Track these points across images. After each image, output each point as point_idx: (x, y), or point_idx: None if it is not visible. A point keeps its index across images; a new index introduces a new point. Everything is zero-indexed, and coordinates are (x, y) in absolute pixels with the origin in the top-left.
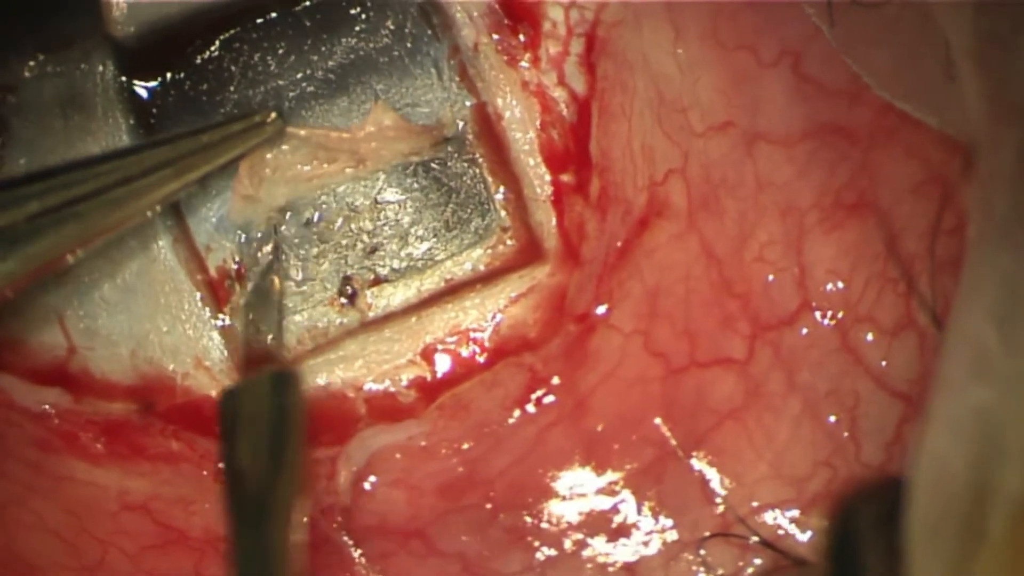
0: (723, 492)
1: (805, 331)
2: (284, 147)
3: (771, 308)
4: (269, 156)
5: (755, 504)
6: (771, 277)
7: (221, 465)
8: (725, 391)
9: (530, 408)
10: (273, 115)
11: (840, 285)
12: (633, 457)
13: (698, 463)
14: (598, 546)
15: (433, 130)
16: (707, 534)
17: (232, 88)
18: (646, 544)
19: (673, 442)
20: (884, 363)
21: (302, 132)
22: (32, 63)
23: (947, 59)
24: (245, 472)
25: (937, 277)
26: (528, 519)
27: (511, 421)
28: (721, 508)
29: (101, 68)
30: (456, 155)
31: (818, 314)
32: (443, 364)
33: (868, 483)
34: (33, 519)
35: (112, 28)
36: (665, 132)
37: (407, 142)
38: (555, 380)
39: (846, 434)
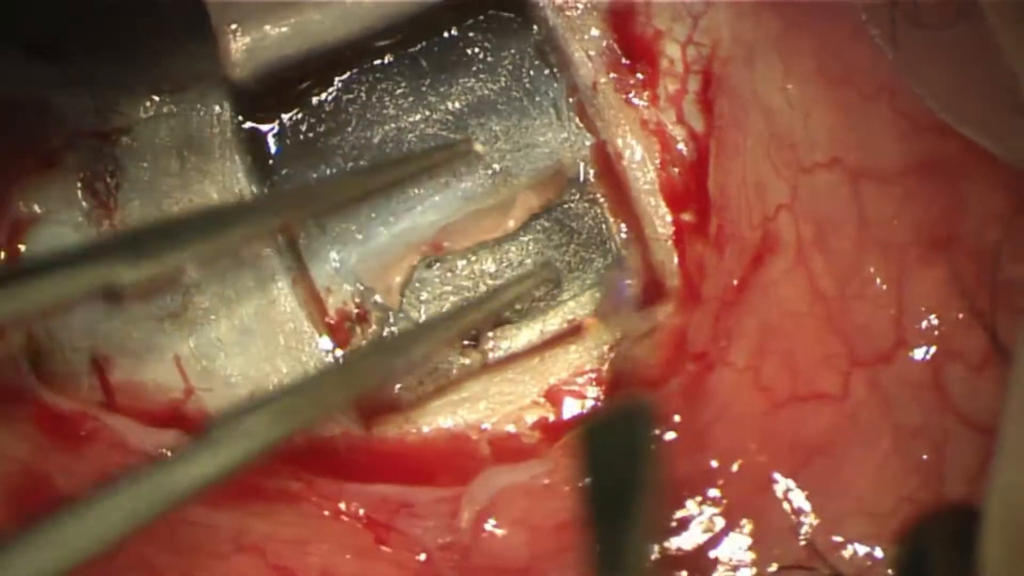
0: (809, 525)
1: (899, 368)
2: None
3: (869, 345)
4: None
5: (838, 539)
6: (870, 314)
7: (581, 495)
8: (820, 426)
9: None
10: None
11: (934, 321)
12: (735, 490)
13: (791, 495)
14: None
15: (558, 175)
16: (775, 567)
17: (350, 129)
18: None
19: (771, 475)
20: (971, 398)
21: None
22: (147, 104)
23: (1011, 87)
24: (602, 506)
25: (1011, 307)
26: None
27: None
28: (804, 541)
29: (218, 109)
30: (577, 195)
31: (913, 351)
32: (567, 405)
33: (941, 507)
34: (138, 561)
35: (229, 70)
36: (775, 167)
37: (540, 199)
38: (676, 418)
39: (932, 470)
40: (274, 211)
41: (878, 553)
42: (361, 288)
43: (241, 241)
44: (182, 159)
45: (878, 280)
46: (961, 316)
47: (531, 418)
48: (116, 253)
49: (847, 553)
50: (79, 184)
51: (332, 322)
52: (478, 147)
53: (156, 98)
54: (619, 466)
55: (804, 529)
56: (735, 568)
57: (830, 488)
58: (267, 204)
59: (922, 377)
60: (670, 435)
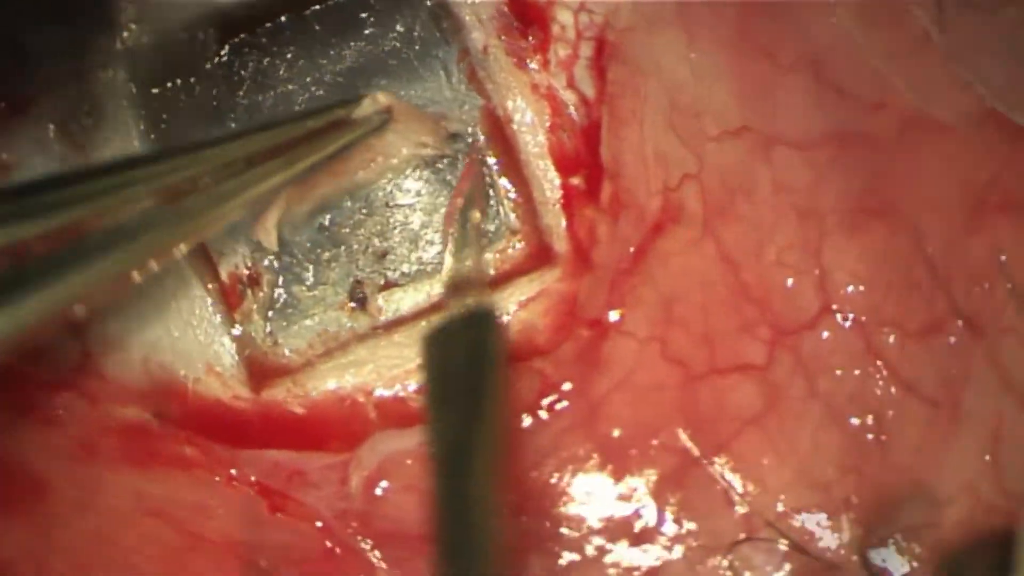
0: (748, 498)
1: (826, 335)
2: None
3: (791, 313)
4: None
5: (781, 509)
6: (790, 281)
7: (424, 403)
8: (746, 398)
9: (543, 414)
10: (381, 98)
11: (862, 288)
12: (653, 463)
13: (721, 470)
14: (621, 551)
15: (442, 120)
16: (742, 536)
17: (242, 93)
18: (669, 549)
19: (695, 450)
20: (910, 367)
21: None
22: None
23: None
24: (444, 417)
25: (965, 282)
26: (548, 524)
27: (524, 426)
28: (745, 513)
29: (112, 74)
30: (462, 157)
31: (839, 317)
32: None
33: (977, 537)
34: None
35: (123, 34)
36: (679, 137)
37: (419, 133)
38: (567, 386)
39: (871, 438)
40: (165, 169)
41: (825, 519)
42: (251, 248)
43: (130, 201)
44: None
45: (796, 247)
46: (895, 284)
47: (418, 382)
48: None
49: (796, 522)
50: (52, 126)
51: (224, 286)
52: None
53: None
54: (461, 372)
55: (743, 501)
56: (674, 539)
57: (766, 460)
58: (157, 160)
59: (853, 345)
60: (562, 403)
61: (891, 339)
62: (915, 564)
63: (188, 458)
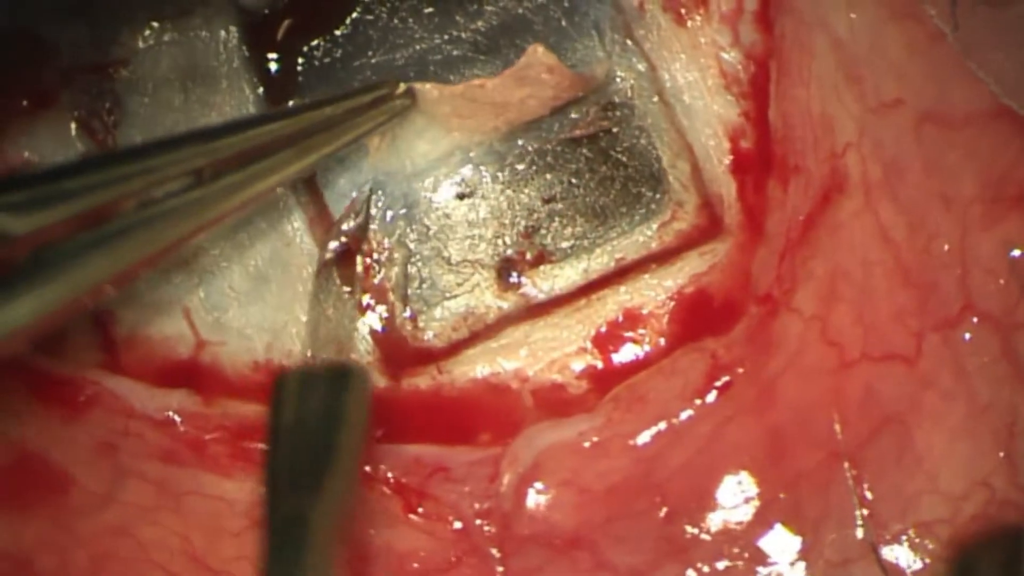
0: (877, 503)
1: (968, 335)
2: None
3: (938, 306)
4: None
5: (904, 525)
6: (937, 273)
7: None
8: (892, 391)
9: (710, 399)
10: (402, 86)
11: (1001, 285)
12: (803, 458)
13: (858, 470)
14: (773, 555)
15: (586, 78)
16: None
17: (371, 54)
18: (794, 563)
19: (841, 444)
20: None
21: (435, 92)
22: (147, 32)
23: None
24: (285, 483)
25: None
26: (695, 529)
27: (689, 414)
28: (864, 525)
29: (224, 35)
30: (623, 123)
31: (979, 317)
32: (617, 351)
33: (990, 531)
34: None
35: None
36: (842, 101)
37: (556, 89)
38: (740, 369)
39: (1004, 452)
40: (188, 155)
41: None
42: (379, 215)
43: (145, 188)
44: (186, 91)
45: (942, 236)
46: None
47: (578, 366)
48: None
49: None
50: (74, 124)
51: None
52: (421, 87)
53: (156, 25)
54: (311, 432)
55: (871, 508)
56: (812, 544)
57: (902, 461)
58: (175, 147)
59: (991, 347)
60: (731, 388)
61: None
62: (928, 560)
63: None
